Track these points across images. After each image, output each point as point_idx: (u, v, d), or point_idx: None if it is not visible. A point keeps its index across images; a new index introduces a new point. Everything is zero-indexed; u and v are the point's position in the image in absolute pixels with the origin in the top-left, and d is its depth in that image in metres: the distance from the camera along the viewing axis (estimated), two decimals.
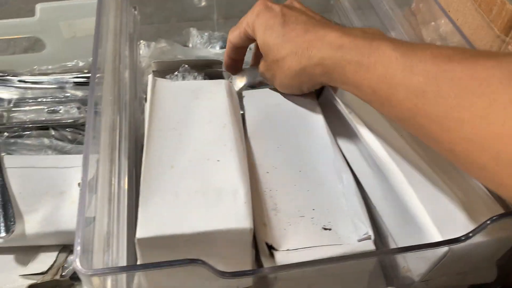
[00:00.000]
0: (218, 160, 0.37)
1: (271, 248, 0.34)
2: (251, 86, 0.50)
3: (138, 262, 0.32)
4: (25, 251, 0.44)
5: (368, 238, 0.34)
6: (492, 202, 0.37)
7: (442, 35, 0.55)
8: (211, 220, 0.31)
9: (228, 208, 0.32)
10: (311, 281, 0.37)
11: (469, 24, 0.52)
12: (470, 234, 0.32)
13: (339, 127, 0.46)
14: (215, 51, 0.66)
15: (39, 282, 0.41)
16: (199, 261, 0.29)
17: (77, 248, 0.29)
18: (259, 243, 0.34)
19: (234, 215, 0.32)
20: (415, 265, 0.37)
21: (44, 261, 0.43)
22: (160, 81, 0.45)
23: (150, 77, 0.44)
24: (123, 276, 0.31)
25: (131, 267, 0.32)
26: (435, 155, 0.42)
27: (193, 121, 0.41)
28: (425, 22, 0.61)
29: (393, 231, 0.39)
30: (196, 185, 0.34)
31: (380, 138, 0.41)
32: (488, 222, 0.32)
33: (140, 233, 0.30)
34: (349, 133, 0.44)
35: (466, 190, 0.38)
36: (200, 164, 0.36)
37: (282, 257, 0.33)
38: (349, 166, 0.43)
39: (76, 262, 0.28)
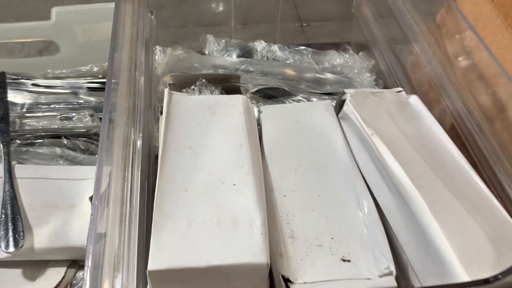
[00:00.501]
0: (234, 184, 0.35)
1: (287, 281, 0.32)
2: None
3: None
4: (33, 266, 0.43)
5: (390, 274, 0.33)
6: None
7: (467, 49, 0.53)
8: (226, 253, 0.30)
9: (244, 240, 0.31)
10: None
11: (498, 43, 0.50)
12: (499, 277, 0.31)
13: (359, 147, 0.44)
14: (232, 60, 0.64)
15: None
16: None
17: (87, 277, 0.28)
18: (275, 275, 0.33)
19: (250, 249, 0.30)
20: None
21: (52, 277, 0.42)
22: (176, 95, 0.43)
23: (166, 90, 0.43)
24: None
25: None
26: (461, 184, 0.40)
27: (209, 140, 0.39)
28: (449, 35, 0.58)
29: (415, 263, 0.37)
30: (210, 212, 0.33)
31: (403, 163, 0.39)
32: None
33: (152, 265, 0.29)
34: (370, 154, 0.42)
35: (494, 224, 0.36)
36: (215, 188, 0.35)
37: None
38: (369, 190, 0.41)
39: None
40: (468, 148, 0.47)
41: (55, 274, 0.42)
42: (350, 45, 0.74)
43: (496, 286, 0.31)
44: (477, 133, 0.47)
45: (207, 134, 0.40)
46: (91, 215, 0.30)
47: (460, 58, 0.54)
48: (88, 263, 0.28)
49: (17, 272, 0.43)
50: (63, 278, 0.42)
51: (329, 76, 0.64)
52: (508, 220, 0.37)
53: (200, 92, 0.45)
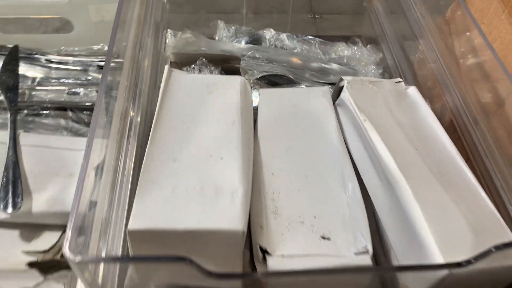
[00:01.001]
0: (221, 158, 0.36)
1: (265, 252, 0.33)
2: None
3: (130, 254, 0.32)
4: (30, 228, 0.45)
5: (366, 252, 0.33)
6: (502, 227, 0.36)
7: (474, 47, 0.53)
8: (204, 219, 0.31)
9: (223, 209, 0.32)
10: None
11: (501, 39, 0.50)
12: (472, 261, 0.31)
13: (353, 133, 0.44)
14: (240, 46, 0.65)
15: (39, 260, 0.41)
16: (187, 259, 0.29)
17: (69, 233, 0.29)
18: (254, 246, 0.34)
19: (228, 216, 0.31)
20: (414, 285, 0.35)
21: (47, 240, 0.44)
22: (176, 72, 0.45)
23: (166, 67, 0.44)
24: (113, 266, 0.31)
25: (114, 258, 0.32)
26: (450, 173, 0.40)
27: (203, 117, 0.40)
28: (458, 32, 0.58)
29: (396, 246, 0.38)
30: (195, 181, 0.34)
31: (393, 150, 0.40)
32: (493, 250, 0.31)
33: (132, 225, 0.30)
34: (362, 141, 0.43)
35: (478, 213, 0.36)
36: (202, 160, 0.36)
37: (274, 263, 0.33)
38: (358, 175, 0.42)
39: (65, 247, 0.28)
40: (463, 142, 0.47)
41: (50, 237, 0.44)
42: (360, 39, 0.74)
43: (468, 270, 0.32)
44: (473, 127, 0.47)
45: (202, 111, 0.41)
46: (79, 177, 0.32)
47: (464, 55, 0.54)
48: (72, 219, 0.29)
49: (15, 233, 0.44)
50: (57, 241, 0.44)
51: (334, 66, 0.65)
52: (492, 211, 0.37)
53: (200, 71, 0.46)
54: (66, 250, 0.27)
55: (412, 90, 0.49)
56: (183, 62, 0.47)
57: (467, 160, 0.44)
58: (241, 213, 0.32)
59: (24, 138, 0.49)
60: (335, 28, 0.80)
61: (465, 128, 0.48)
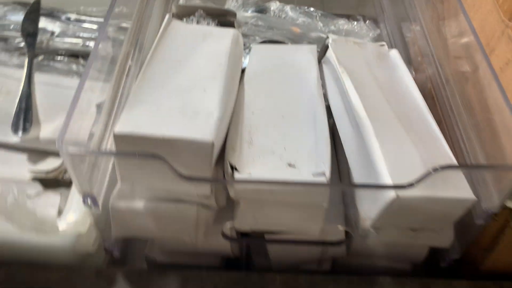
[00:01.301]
0: (204, 90, 0.41)
1: (234, 169, 0.37)
2: None
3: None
4: (37, 153, 0.50)
5: (323, 174, 0.37)
6: (451, 160, 0.40)
7: (461, 30, 0.56)
8: (180, 130, 0.35)
9: (198, 125, 0.36)
10: (270, 211, 0.40)
11: (482, 10, 0.53)
12: (414, 183, 0.35)
13: (333, 85, 0.48)
14: (245, 14, 0.69)
15: (42, 177, 0.47)
16: (161, 158, 0.33)
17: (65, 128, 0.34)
18: (225, 164, 0.38)
19: (201, 129, 0.36)
20: (367, 209, 0.39)
21: (51, 163, 0.49)
22: (175, 22, 0.49)
23: (167, 16, 0.49)
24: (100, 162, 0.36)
25: (100, 152, 0.37)
26: (415, 121, 0.44)
27: (194, 58, 0.45)
28: (450, 15, 0.61)
29: (357, 180, 0.42)
30: (177, 104, 0.38)
31: (364, 97, 0.44)
32: (432, 172, 0.35)
33: (118, 128, 0.35)
34: (340, 91, 0.47)
35: (434, 154, 0.40)
36: (187, 90, 0.40)
37: (241, 177, 0.37)
38: (333, 120, 0.46)
39: (58, 139, 0.33)
40: (437, 108, 0.51)
41: (54, 162, 0.49)
42: (362, 18, 0.78)
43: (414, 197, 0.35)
44: (447, 92, 0.50)
45: (193, 53, 0.45)
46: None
47: (449, 31, 0.57)
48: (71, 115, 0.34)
49: (23, 156, 0.49)
50: (60, 165, 0.49)
51: (332, 36, 0.68)
52: (447, 153, 0.41)
53: (197, 22, 0.51)
54: (59, 141, 0.32)
55: (394, 53, 0.52)
56: (184, 14, 0.51)
57: (439, 123, 0.48)
58: (213, 128, 0.36)
59: (39, 77, 0.55)
60: (340, 8, 0.84)
61: (439, 92, 0.51)
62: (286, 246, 0.45)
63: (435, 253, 0.46)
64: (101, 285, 0.43)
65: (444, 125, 0.49)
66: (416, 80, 0.49)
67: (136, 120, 0.36)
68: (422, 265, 0.47)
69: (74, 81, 0.56)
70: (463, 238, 0.43)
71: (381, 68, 0.50)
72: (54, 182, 0.47)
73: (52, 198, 0.45)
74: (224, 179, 0.37)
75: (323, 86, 0.50)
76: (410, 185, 0.35)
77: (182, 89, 0.40)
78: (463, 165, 0.41)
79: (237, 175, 0.37)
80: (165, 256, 0.47)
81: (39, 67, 0.58)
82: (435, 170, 0.35)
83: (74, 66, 0.58)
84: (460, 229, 0.42)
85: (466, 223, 0.41)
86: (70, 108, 0.35)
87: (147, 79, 0.41)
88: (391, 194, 0.36)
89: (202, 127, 0.36)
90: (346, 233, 0.44)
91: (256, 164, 0.39)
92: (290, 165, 0.40)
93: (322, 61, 0.52)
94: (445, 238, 0.42)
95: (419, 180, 0.35)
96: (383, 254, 0.46)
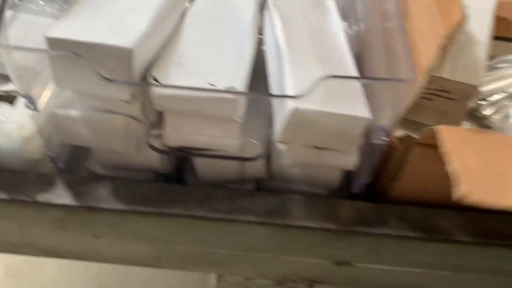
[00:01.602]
0: (137, 12, 0.45)
1: (154, 80, 0.42)
2: None
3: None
4: None
5: (232, 87, 0.42)
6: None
7: None
8: (105, 37, 0.40)
9: (123, 35, 0.41)
10: (194, 126, 0.45)
11: None
12: (303, 94, 0.40)
13: (270, 26, 0.53)
14: None
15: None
16: (82, 56, 0.38)
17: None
18: (147, 76, 0.43)
19: (124, 38, 0.40)
20: (277, 125, 0.44)
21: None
22: None
23: None
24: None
25: (35, 48, 0.43)
26: (332, 55, 0.49)
27: None
28: None
29: (275, 105, 0.47)
30: (110, 20, 0.43)
31: (289, 31, 0.48)
32: (321, 79, 0.39)
33: (51, 33, 0.40)
34: (272, 28, 0.52)
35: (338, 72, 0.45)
36: (123, 13, 0.45)
37: (161, 89, 0.42)
38: (264, 50, 0.51)
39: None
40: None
41: None
42: None
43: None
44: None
45: None
46: None
47: None
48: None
49: None
50: None
51: None
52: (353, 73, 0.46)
53: None
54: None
55: (331, 2, 0.57)
56: None
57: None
58: (135, 39, 0.41)
59: None
60: None
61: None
62: (210, 163, 0.50)
63: (348, 180, 0.51)
64: (41, 187, 0.48)
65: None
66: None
67: (68, 29, 0.41)
68: (338, 191, 0.52)
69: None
70: (368, 161, 0.47)
71: (314, 14, 0.54)
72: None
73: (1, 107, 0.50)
74: (141, 83, 0.42)
75: (264, 27, 0.55)
76: (300, 96, 0.40)
77: (118, 10, 0.45)
78: (351, 76, 0.46)
79: (156, 89, 0.42)
80: (104, 170, 0.52)
81: None
82: (324, 79, 0.39)
83: None
84: (366, 153, 0.47)
85: (372, 146, 0.46)
86: None
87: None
88: (290, 105, 0.41)
89: (126, 37, 0.41)
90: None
91: (180, 81, 0.44)
92: (210, 84, 0.44)
93: (265, 7, 0.57)
94: (349, 160, 0.47)
95: (310, 90, 0.39)
96: (299, 177, 0.51)
